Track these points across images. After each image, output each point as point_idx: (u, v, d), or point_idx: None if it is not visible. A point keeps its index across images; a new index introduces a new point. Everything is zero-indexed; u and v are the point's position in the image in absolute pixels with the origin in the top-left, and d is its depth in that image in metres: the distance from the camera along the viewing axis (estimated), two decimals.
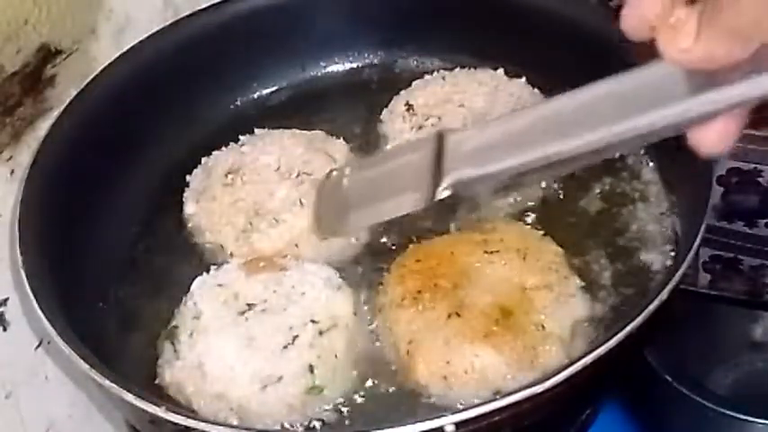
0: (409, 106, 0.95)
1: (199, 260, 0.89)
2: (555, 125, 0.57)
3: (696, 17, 0.50)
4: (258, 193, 0.88)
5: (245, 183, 0.90)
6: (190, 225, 0.91)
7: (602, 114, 0.55)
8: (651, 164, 0.91)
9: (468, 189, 0.64)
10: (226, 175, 0.91)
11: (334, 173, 0.75)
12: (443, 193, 0.62)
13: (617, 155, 0.89)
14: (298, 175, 0.89)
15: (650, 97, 0.54)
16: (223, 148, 0.94)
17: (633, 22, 0.53)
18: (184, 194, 0.92)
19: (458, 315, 0.77)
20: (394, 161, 0.71)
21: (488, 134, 0.61)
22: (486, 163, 0.60)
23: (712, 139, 0.54)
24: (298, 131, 0.95)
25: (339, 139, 0.96)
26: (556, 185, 0.91)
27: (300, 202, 0.87)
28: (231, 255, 0.87)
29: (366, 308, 0.82)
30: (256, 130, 0.96)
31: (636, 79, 0.55)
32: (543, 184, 0.91)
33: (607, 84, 0.56)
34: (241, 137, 0.96)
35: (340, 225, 0.74)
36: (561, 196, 0.90)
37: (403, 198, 0.67)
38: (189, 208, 0.91)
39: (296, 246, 0.86)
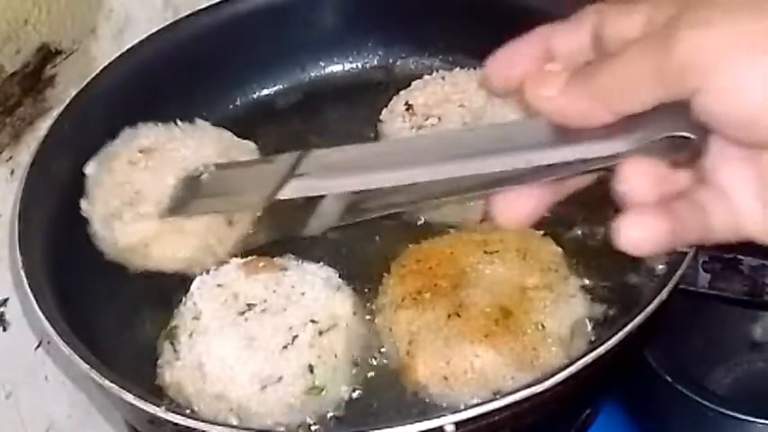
0: (409, 106, 0.95)
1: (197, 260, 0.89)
2: (404, 157, 0.58)
3: (566, 74, 0.50)
4: (149, 182, 0.86)
5: (147, 168, 0.87)
6: (86, 185, 0.88)
7: (441, 153, 0.56)
8: None
9: (321, 207, 0.66)
10: (138, 151, 0.88)
11: (200, 167, 0.77)
12: (280, 195, 0.63)
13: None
14: None
15: (502, 144, 0.54)
16: (159, 124, 0.92)
17: (500, 80, 0.54)
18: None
19: (458, 315, 0.77)
20: (255, 166, 0.74)
21: (346, 155, 0.62)
22: (329, 179, 0.61)
23: (513, 212, 0.54)
24: (228, 134, 0.93)
25: (249, 142, 0.93)
26: None
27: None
28: (96, 232, 0.85)
29: (366, 308, 0.82)
30: (198, 121, 0.94)
31: (502, 129, 0.57)
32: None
33: (471, 130, 0.57)
34: (180, 122, 0.93)
35: (181, 208, 0.77)
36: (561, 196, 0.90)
37: (244, 197, 0.70)
38: (90, 168, 0.88)
39: (145, 246, 0.84)
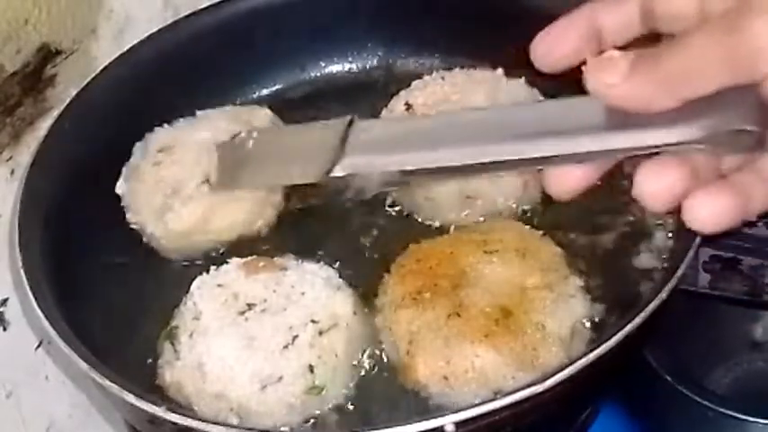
0: (408, 106, 0.95)
1: (198, 259, 0.89)
2: (457, 134, 0.57)
3: (628, 60, 0.49)
4: (181, 172, 0.89)
5: (174, 162, 0.90)
6: (122, 204, 0.91)
7: (497, 133, 0.55)
8: None
9: (363, 178, 0.65)
10: (158, 152, 0.90)
11: (242, 134, 0.77)
12: (336, 172, 0.63)
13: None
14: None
15: (559, 125, 0.53)
16: (165, 126, 0.94)
17: (548, 60, 0.54)
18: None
19: (458, 315, 0.77)
20: (302, 134, 0.73)
21: (394, 128, 0.62)
22: (384, 155, 0.61)
23: (567, 183, 0.53)
24: (230, 108, 0.96)
25: (264, 108, 0.96)
26: None
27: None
28: (152, 235, 0.88)
29: (366, 308, 0.82)
30: (198, 112, 0.96)
31: (557, 107, 0.55)
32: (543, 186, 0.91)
33: (520, 107, 0.56)
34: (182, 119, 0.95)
35: (233, 181, 0.77)
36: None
37: (297, 168, 0.69)
38: (119, 187, 0.91)
39: (204, 221, 0.87)
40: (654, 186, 0.49)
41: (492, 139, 0.55)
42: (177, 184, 0.88)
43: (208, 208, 0.87)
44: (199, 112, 0.95)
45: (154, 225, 0.88)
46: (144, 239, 0.90)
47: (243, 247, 0.89)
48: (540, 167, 0.55)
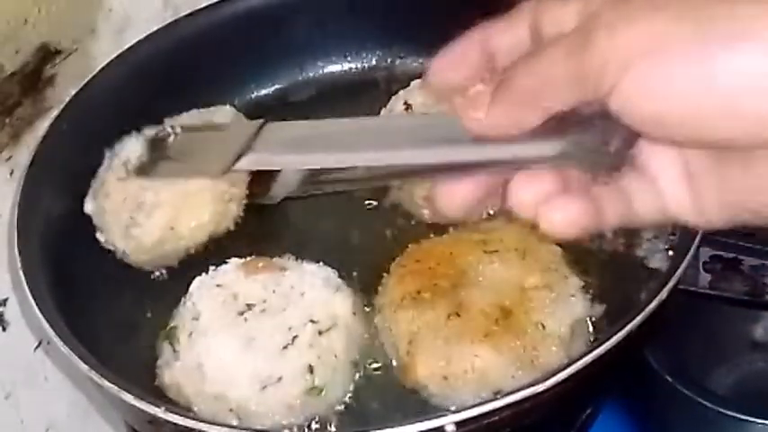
0: (408, 106, 0.95)
1: (198, 260, 0.89)
2: (367, 137, 0.60)
3: (489, 91, 0.51)
4: (145, 186, 0.88)
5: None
6: (94, 221, 0.90)
7: (387, 140, 0.58)
8: None
9: (270, 179, 0.67)
10: (122, 165, 0.90)
11: (167, 129, 0.78)
12: (238, 167, 0.64)
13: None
14: None
15: (434, 136, 0.55)
16: (129, 136, 0.93)
17: (441, 84, 0.55)
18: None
19: (458, 315, 0.77)
20: (219, 133, 0.74)
21: (304, 130, 0.64)
22: (287, 155, 0.63)
23: (454, 199, 0.54)
24: (196, 111, 0.96)
25: (226, 105, 0.97)
26: None
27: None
28: (125, 252, 0.88)
29: (366, 308, 0.82)
30: (165, 120, 0.94)
31: (438, 121, 0.58)
32: None
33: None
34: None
35: (150, 172, 0.78)
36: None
37: (204, 165, 0.71)
38: (88, 206, 0.90)
39: (171, 229, 0.87)
40: (522, 194, 0.51)
41: (370, 146, 0.58)
42: (141, 200, 0.88)
43: (172, 216, 0.87)
44: (167, 120, 0.94)
45: (123, 242, 0.88)
46: (117, 257, 0.89)
47: (216, 246, 0.89)
48: (421, 178, 0.59)
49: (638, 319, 0.68)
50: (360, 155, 0.58)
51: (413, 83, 0.98)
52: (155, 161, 0.77)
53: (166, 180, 0.85)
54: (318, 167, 0.61)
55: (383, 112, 0.97)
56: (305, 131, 0.64)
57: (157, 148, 0.77)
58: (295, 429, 0.76)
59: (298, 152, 0.62)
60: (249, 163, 0.64)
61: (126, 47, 0.98)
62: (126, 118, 0.94)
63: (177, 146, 0.76)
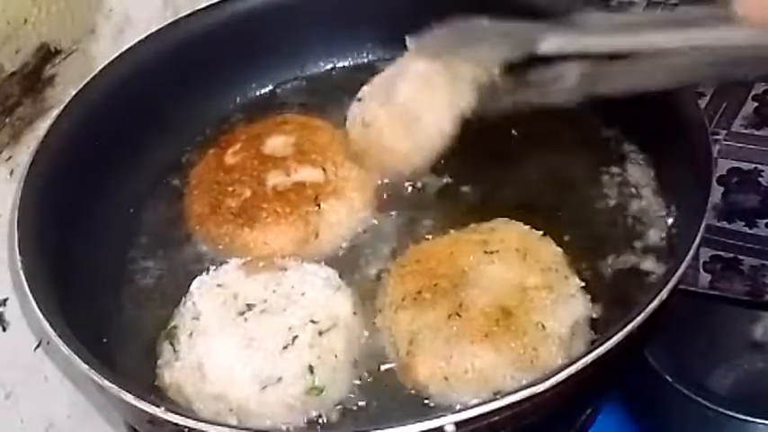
0: None
1: (196, 260, 0.89)
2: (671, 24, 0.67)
3: None
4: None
5: None
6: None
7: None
8: (651, 164, 0.91)
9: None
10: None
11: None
12: (542, 48, 0.69)
13: None
14: None
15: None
16: None
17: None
18: None
19: (458, 315, 0.77)
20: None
21: (600, 21, 0.69)
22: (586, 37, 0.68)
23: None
24: None
25: None
26: (556, 185, 0.91)
27: None
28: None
29: (366, 308, 0.82)
30: None
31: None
32: (542, 185, 0.91)
33: None
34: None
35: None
36: (561, 197, 0.90)
37: (507, 45, 0.77)
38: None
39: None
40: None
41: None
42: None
43: None
44: None
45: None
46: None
47: None
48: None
49: (639, 319, 0.68)
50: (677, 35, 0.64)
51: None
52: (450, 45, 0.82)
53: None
54: (631, 48, 0.66)
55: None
56: (602, 21, 0.69)
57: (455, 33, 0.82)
58: (295, 429, 0.76)
59: (606, 35, 0.67)
60: (552, 44, 0.68)
61: (126, 47, 0.98)
62: (126, 118, 0.94)
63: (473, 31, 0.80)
